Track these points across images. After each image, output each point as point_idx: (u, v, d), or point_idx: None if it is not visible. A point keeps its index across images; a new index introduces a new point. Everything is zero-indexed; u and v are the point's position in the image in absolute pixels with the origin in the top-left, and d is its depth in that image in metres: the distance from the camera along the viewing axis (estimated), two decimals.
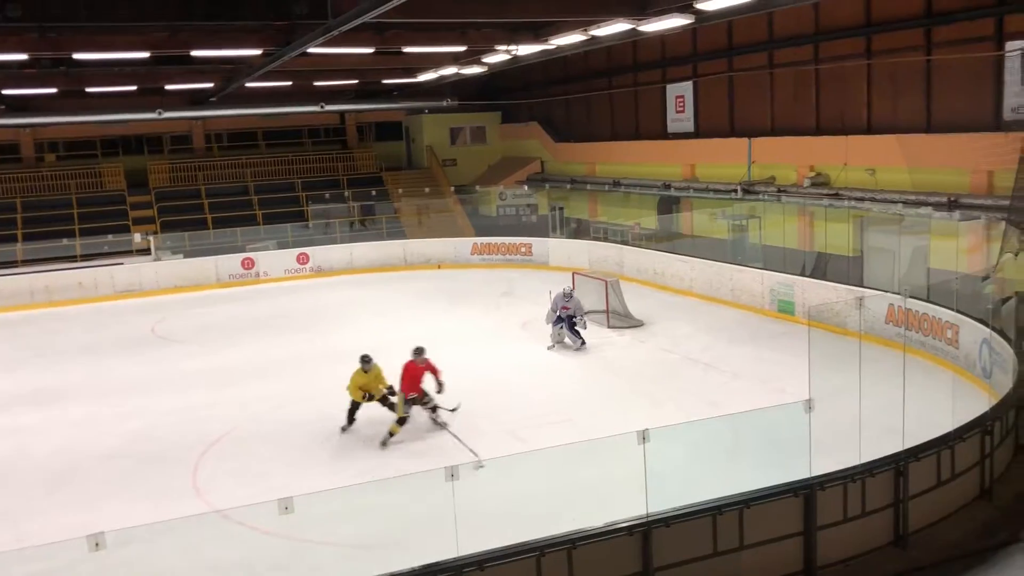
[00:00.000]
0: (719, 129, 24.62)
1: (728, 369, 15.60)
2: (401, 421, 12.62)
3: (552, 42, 19.72)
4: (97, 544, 6.62)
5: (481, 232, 31.02)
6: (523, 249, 27.91)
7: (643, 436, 8.14)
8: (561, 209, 32.74)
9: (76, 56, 18.16)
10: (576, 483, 10.15)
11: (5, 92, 24.51)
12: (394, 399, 12.86)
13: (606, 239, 27.83)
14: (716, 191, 23.91)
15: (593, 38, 18.79)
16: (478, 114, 36.83)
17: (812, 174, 20.81)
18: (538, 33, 19.66)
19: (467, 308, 22.04)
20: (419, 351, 13.20)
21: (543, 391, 14.89)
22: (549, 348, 17.69)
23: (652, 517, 8.14)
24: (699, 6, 15.34)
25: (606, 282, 19.31)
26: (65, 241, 29.88)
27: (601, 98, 30.28)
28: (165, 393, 15.80)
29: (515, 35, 20.02)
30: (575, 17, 17.43)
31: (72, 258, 29.16)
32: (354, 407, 13.10)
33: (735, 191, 22.98)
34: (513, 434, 12.62)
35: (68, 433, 13.88)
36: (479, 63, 23.49)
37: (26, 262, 28.37)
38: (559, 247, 27.46)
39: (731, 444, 10.77)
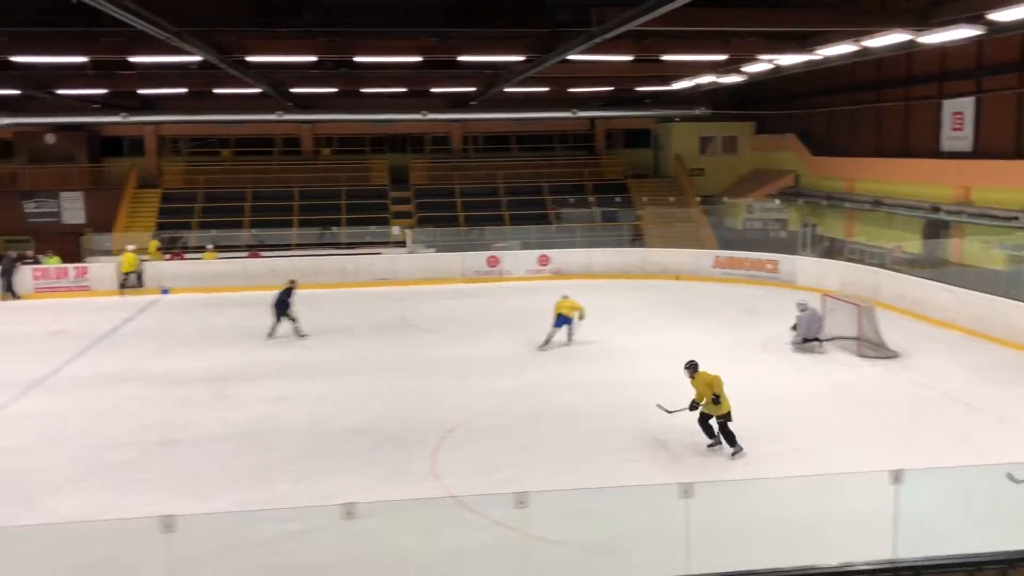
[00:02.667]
0: (1002, 149, 22.42)
1: (994, 412, 14.16)
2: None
3: (819, 52, 18.85)
4: (349, 513, 7.07)
5: (725, 245, 30.26)
6: (769, 266, 26.88)
7: (896, 476, 7.56)
8: (814, 226, 31.20)
9: (356, 59, 19.61)
10: (812, 516, 9.60)
11: (293, 91, 26.95)
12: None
13: (862, 261, 26.17)
14: (994, 217, 21.78)
15: (865, 49, 17.76)
16: (731, 123, 35.96)
17: None
18: (804, 43, 18.85)
19: (704, 322, 21.55)
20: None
21: (782, 415, 14.24)
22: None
23: (900, 564, 7.53)
24: (992, 16, 14.05)
25: (859, 307, 18.14)
26: (333, 229, 32.50)
27: (867, 111, 28.56)
28: (410, 377, 16.71)
29: (779, 44, 19.32)
30: (847, 27, 16.57)
31: (337, 245, 31.67)
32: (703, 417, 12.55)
33: (1016, 218, 20.83)
34: (745, 456, 12.17)
35: (319, 406, 14.96)
36: (738, 72, 22.92)
37: (299, 245, 31.18)
38: (809, 266, 26.18)
39: (993, 495, 9.75)
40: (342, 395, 15.54)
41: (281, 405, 15.02)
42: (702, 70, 23.79)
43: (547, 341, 18.78)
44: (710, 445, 12.42)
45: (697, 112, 32.24)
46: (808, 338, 18.21)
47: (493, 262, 28.99)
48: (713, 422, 12.39)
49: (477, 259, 29.06)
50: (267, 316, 20.29)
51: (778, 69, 21.76)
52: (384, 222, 33.34)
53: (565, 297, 19.36)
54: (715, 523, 8.61)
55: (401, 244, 31.80)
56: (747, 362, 17.62)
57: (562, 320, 18.89)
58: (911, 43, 16.62)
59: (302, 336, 20.13)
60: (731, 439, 12.21)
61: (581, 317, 18.92)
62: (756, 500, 9.81)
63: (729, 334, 20.04)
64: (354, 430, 13.60)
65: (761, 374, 16.73)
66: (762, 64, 21.19)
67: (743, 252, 27.98)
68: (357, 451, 12.72)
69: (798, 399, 15.18)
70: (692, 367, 12.57)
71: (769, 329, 19.28)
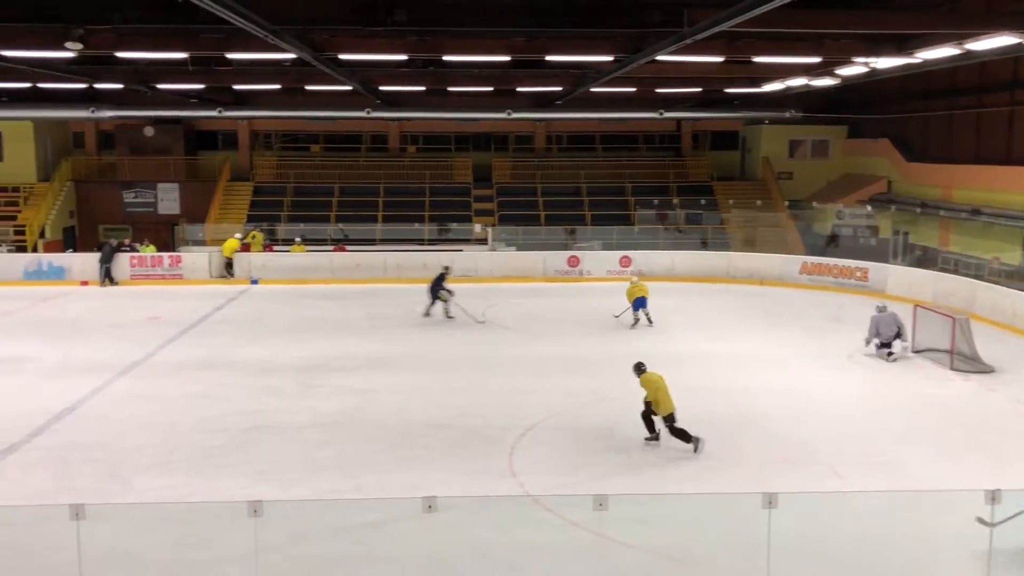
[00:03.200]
0: None
1: None
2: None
3: (918, 55, 18.26)
4: (430, 507, 7.17)
5: (812, 251, 29.60)
6: (858, 273, 26.16)
7: (992, 496, 7.29)
8: (906, 234, 30.25)
9: (445, 58, 19.82)
10: (899, 532, 9.33)
11: (381, 88, 27.39)
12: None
13: (956, 271, 25.27)
14: None
15: (968, 52, 17.11)
16: (822, 127, 35.14)
17: None
18: (903, 45, 18.29)
19: (789, 330, 21.11)
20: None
21: (867, 427, 13.85)
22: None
23: None
24: None
25: (954, 319, 17.51)
26: (416, 225, 32.95)
27: (967, 116, 27.52)
28: (490, 374, 16.82)
29: (876, 47, 18.79)
30: (950, 30, 16.00)
31: (420, 241, 32.09)
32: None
33: None
34: (831, 468, 11.90)
35: (403, 399, 15.19)
36: (831, 75, 22.37)
37: (384, 240, 31.70)
38: (900, 275, 25.39)
39: None
40: (423, 390, 15.74)
41: (365, 397, 15.29)
42: (794, 72, 23.30)
43: (636, 322, 21.04)
44: (647, 439, 12.73)
45: (787, 115, 31.62)
46: (882, 342, 17.79)
47: (574, 262, 28.94)
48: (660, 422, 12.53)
49: (558, 258, 29.05)
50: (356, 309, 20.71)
51: (873, 72, 21.15)
52: (467, 219, 33.63)
53: (635, 282, 21.82)
54: (798, 535, 8.44)
55: (483, 242, 32.02)
56: (833, 371, 17.21)
57: (640, 302, 20.89)
58: (1020, 46, 15.95)
59: (449, 317, 22.12)
60: (684, 437, 12.38)
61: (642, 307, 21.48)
62: (841, 513, 9.57)
63: (815, 343, 19.59)
64: (434, 424, 13.76)
65: (848, 384, 16.32)
66: (857, 67, 20.63)
67: (832, 259, 27.30)
68: (437, 445, 12.87)
69: (886, 412, 14.74)
70: (639, 368, 12.99)
71: (857, 339, 18.76)
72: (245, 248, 29.03)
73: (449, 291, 22.30)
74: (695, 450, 12.27)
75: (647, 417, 12.75)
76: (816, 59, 20.13)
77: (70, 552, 7.59)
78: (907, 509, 9.48)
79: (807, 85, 24.66)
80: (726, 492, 9.61)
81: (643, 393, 12.79)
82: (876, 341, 18.02)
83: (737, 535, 8.28)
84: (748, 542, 7.56)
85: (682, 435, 12.36)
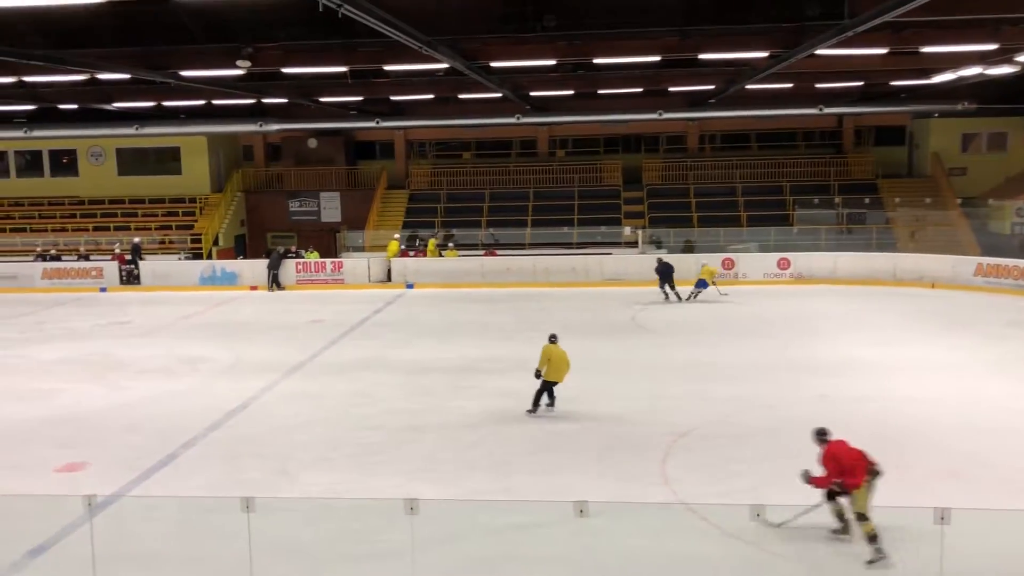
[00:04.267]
0: None
1: None
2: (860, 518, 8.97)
3: None
4: (581, 511, 7.15)
5: (989, 252, 27.64)
6: None
7: None
8: None
9: (595, 60, 19.75)
10: None
11: (531, 94, 27.61)
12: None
13: None
14: None
15: None
16: (999, 119, 32.80)
17: None
18: None
19: (964, 335, 19.79)
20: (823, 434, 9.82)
21: None
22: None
23: None
24: None
25: None
26: (565, 229, 33.02)
27: None
28: (640, 379, 16.63)
29: None
30: None
31: (569, 244, 32.15)
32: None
33: None
34: (1010, 484, 11.05)
35: None
36: (1010, 62, 20.80)
37: (533, 244, 31.95)
38: None
39: None
40: (573, 393, 15.68)
41: (514, 399, 15.41)
42: (967, 61, 21.80)
43: (694, 296, 24.69)
44: (535, 407, 14.44)
45: (960, 107, 29.59)
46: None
47: (728, 264, 28.22)
48: None
49: (712, 261, 28.36)
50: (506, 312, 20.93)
51: None
52: (616, 222, 33.42)
53: (705, 265, 25.03)
54: (971, 555, 7.88)
55: (633, 244, 31.73)
56: (1013, 380, 16.00)
57: (701, 283, 24.62)
58: None
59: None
60: (536, 400, 14.31)
61: (715, 281, 25.03)
62: (1020, 533, 8.87)
63: (993, 349, 18.28)
64: (584, 428, 13.70)
65: None
66: None
67: (1011, 260, 25.41)
68: (588, 449, 12.80)
69: None
70: (551, 338, 14.51)
71: None
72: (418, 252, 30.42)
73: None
74: (529, 413, 14.26)
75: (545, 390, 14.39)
76: (993, 46, 18.76)
77: (241, 541, 8.03)
78: None
79: (982, 74, 23.03)
80: (893, 505, 9.06)
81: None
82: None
83: (905, 549, 7.81)
84: (916, 558, 7.11)
85: (536, 399, 14.30)
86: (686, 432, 13.31)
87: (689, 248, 30.88)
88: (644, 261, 29.19)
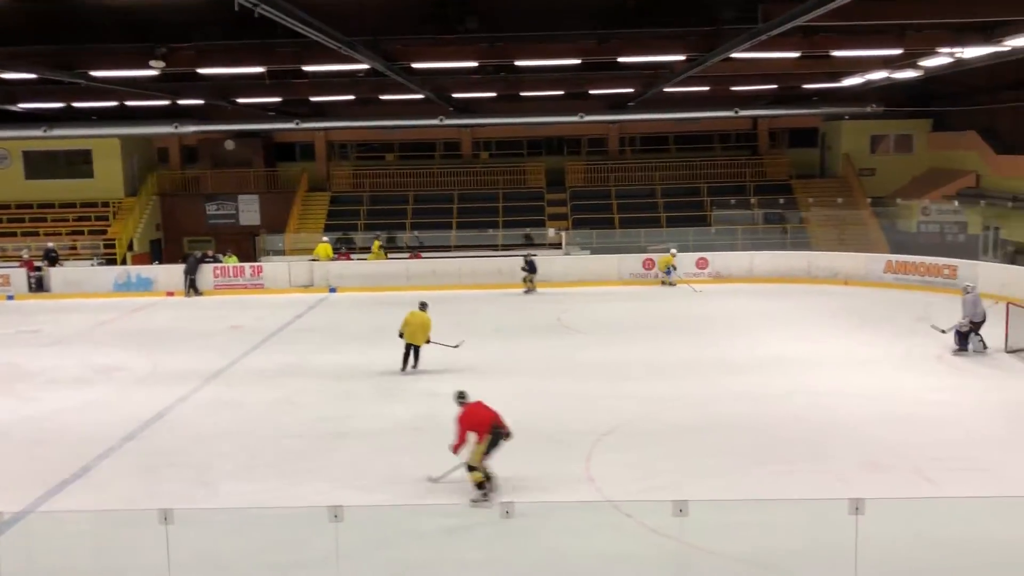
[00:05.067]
0: None
1: None
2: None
3: (1007, 43, 17.53)
4: (507, 512, 7.15)
5: (897, 249, 28.69)
6: (946, 271, 25.26)
7: None
8: (997, 229, 29.11)
9: (517, 63, 19.83)
10: (991, 541, 8.94)
11: (454, 95, 27.58)
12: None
13: None
14: None
15: None
16: (905, 121, 34.06)
17: None
18: (991, 34, 17.58)
19: (875, 331, 20.48)
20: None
21: (957, 431, 13.32)
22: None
23: None
24: None
25: None
26: (490, 231, 33.06)
27: None
28: (565, 379, 16.71)
29: (961, 36, 18.09)
30: None
31: (494, 247, 32.19)
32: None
33: None
34: (920, 473, 11.48)
35: None
36: (914, 67, 21.65)
37: (458, 247, 31.89)
38: (991, 272, 24.40)
39: None
40: (497, 395, 15.50)
41: (440, 401, 15.32)
42: (875, 65, 22.60)
43: (672, 284, 27.21)
44: (404, 367, 17.16)
45: (868, 109, 30.67)
46: (975, 321, 17.24)
47: (649, 265, 28.65)
48: None
49: (633, 262, 28.79)
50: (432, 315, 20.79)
51: (960, 63, 20.38)
52: (540, 224, 33.61)
53: (661, 256, 27.75)
54: (887, 543, 8.16)
55: (557, 246, 31.95)
56: (924, 374, 16.63)
57: (669, 271, 27.34)
58: None
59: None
60: (403, 362, 17.23)
61: (675, 268, 27.42)
62: (934, 520, 9.22)
63: (903, 344, 18.95)
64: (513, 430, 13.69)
65: (940, 387, 15.71)
66: (942, 58, 19.91)
67: (918, 256, 26.42)
68: (513, 451, 12.77)
69: (979, 415, 14.16)
70: (422, 306, 17.33)
71: (947, 339, 18.10)
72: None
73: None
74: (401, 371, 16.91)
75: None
76: (898, 51, 19.51)
77: (159, 554, 7.80)
78: (1003, 517, 9.07)
79: (889, 78, 23.91)
80: (811, 498, 9.32)
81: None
82: (965, 320, 17.57)
83: (823, 543, 8.04)
84: (835, 550, 7.32)
85: (404, 358, 17.04)
86: (610, 431, 13.45)
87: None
88: (568, 262, 29.51)
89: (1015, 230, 28.30)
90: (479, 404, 10.92)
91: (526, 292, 27.08)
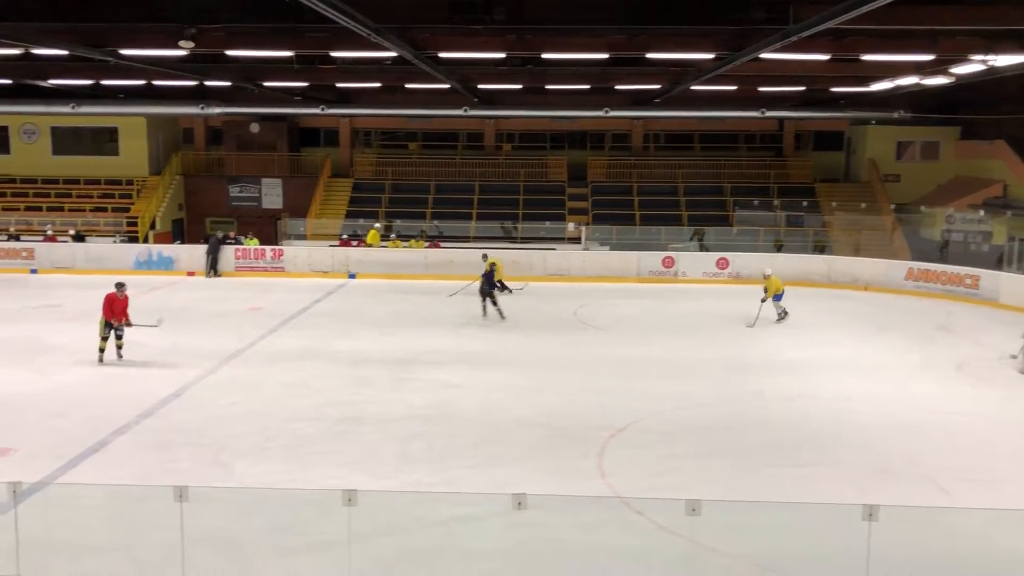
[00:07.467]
0: None
1: None
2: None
3: None
4: (520, 504, 7.17)
5: (919, 256, 28.44)
6: (968, 281, 25.04)
7: None
8: (1022, 240, 28.80)
9: (544, 56, 19.79)
10: (1003, 554, 8.88)
11: (479, 87, 27.57)
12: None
13: None
14: None
15: None
16: (933, 128, 33.70)
17: None
18: (1023, 42, 17.40)
19: (894, 337, 20.35)
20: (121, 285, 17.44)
21: (976, 442, 13.23)
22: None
23: None
24: None
25: None
26: (510, 223, 33.04)
27: None
28: (580, 374, 16.73)
29: (995, 44, 17.90)
30: None
31: (513, 239, 32.18)
32: None
33: None
34: (934, 482, 11.42)
35: (491, 396, 15.23)
36: (945, 73, 21.42)
37: (477, 238, 31.89)
38: (1014, 284, 24.16)
39: None
40: (513, 387, 15.77)
41: (455, 392, 15.42)
42: (905, 71, 22.41)
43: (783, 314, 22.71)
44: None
45: (896, 115, 30.39)
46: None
47: (668, 263, 28.57)
48: None
49: (652, 259, 28.71)
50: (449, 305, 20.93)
51: (991, 70, 20.16)
52: (560, 218, 33.57)
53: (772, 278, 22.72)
54: (901, 550, 8.12)
55: (576, 240, 31.91)
56: (941, 382, 16.51)
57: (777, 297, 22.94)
58: None
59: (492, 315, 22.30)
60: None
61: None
62: (947, 530, 9.17)
63: (921, 351, 18.83)
64: (524, 422, 13.76)
65: (956, 396, 15.62)
66: (974, 65, 19.71)
67: (940, 265, 26.20)
68: (526, 443, 12.87)
69: (997, 426, 14.06)
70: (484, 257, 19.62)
71: (966, 348, 17.98)
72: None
73: (501, 287, 23.57)
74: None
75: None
76: (929, 57, 19.30)
77: (173, 532, 7.88)
78: (1016, 529, 9.00)
79: (918, 84, 23.69)
80: (824, 502, 9.29)
81: None
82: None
83: (835, 548, 8.01)
84: (847, 555, 7.30)
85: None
86: (623, 427, 13.45)
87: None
88: (587, 257, 29.46)
89: None
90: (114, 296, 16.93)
91: (503, 291, 24.47)
